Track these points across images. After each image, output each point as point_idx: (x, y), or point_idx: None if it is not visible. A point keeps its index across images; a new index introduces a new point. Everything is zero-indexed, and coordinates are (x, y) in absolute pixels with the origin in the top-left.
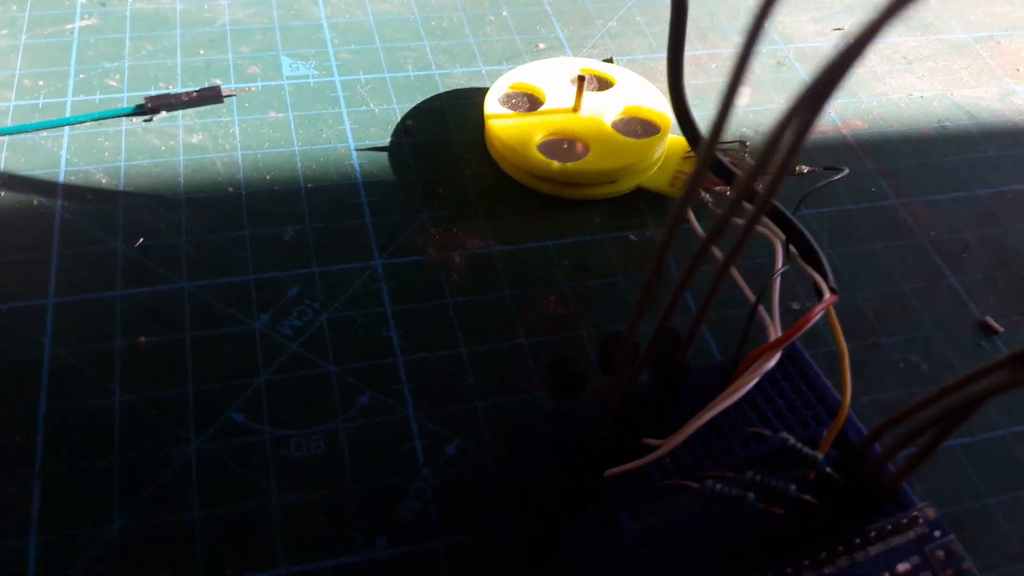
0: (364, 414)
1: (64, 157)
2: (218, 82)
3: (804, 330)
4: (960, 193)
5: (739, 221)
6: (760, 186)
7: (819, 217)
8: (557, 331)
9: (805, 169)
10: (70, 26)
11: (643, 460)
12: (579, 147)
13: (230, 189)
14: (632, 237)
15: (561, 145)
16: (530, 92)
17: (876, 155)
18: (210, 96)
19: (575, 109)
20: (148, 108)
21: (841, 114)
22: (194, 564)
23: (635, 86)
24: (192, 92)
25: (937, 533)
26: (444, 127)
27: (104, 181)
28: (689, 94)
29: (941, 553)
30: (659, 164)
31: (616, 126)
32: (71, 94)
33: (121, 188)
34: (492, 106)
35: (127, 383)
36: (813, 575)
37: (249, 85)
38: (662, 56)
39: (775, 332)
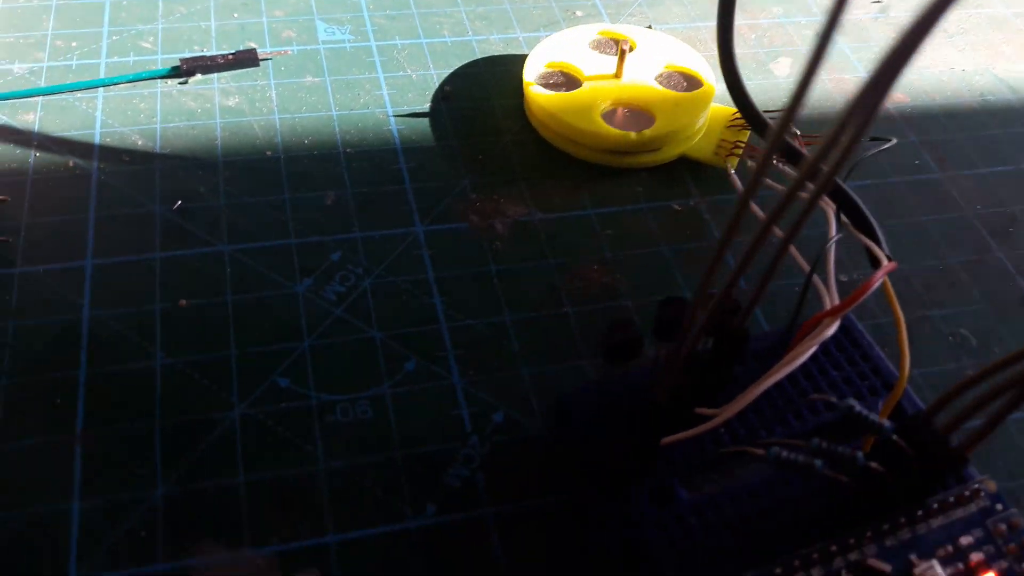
0: (410, 380)
1: (99, 119)
2: (253, 45)
3: (864, 297)
4: (1006, 167)
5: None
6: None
7: (864, 189)
8: (602, 300)
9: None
10: None
11: (703, 427)
12: (620, 113)
13: (268, 153)
14: (676, 206)
15: (619, 114)
16: (563, 69)
17: (920, 128)
18: (246, 59)
19: (617, 76)
20: (184, 70)
21: None
22: (240, 531)
23: (660, 44)
24: (228, 55)
25: (999, 506)
26: (482, 93)
27: (140, 143)
28: None
29: (1004, 526)
30: (703, 132)
31: (663, 84)
32: (104, 56)
33: (157, 150)
34: (535, 86)
35: (168, 346)
36: (875, 546)
37: (284, 49)
38: (701, 24)
39: (831, 300)
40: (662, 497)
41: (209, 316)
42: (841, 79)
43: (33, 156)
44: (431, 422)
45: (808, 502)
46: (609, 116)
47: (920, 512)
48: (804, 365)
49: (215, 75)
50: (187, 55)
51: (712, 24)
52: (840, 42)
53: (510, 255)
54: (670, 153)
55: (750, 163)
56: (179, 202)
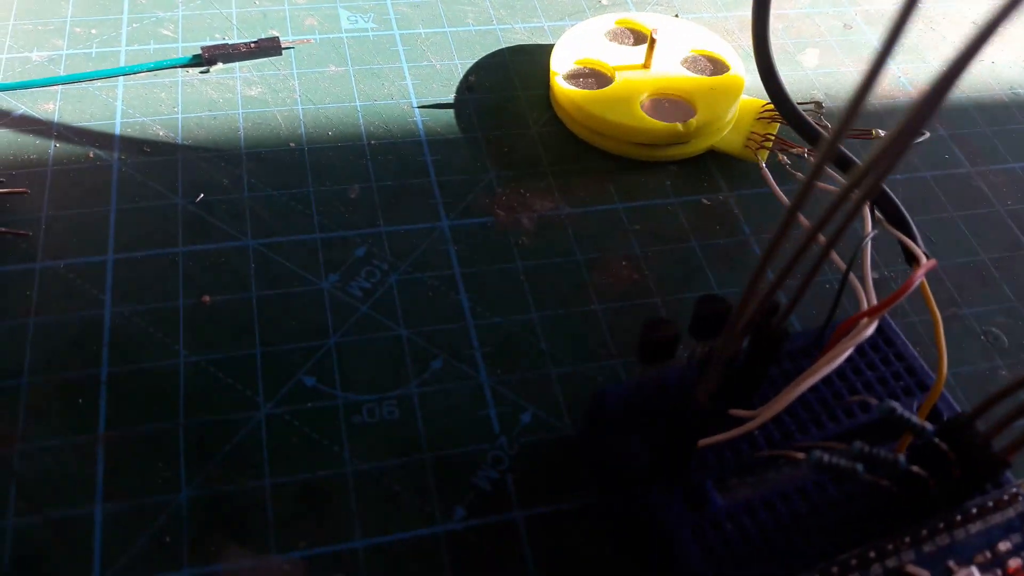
0: (437, 379)
1: (120, 108)
2: (275, 33)
3: (904, 296)
4: None
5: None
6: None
7: (893, 183)
8: (631, 297)
9: (882, 133)
10: None
11: (742, 428)
12: (659, 104)
13: (292, 145)
14: (705, 201)
15: (659, 105)
16: (591, 66)
17: (949, 121)
18: (269, 47)
19: (646, 66)
20: (205, 59)
21: (911, 79)
22: (266, 535)
23: (680, 32)
24: (250, 43)
25: None
26: (507, 84)
27: (162, 133)
28: None
29: None
30: (732, 125)
31: (689, 68)
32: (124, 43)
33: (179, 141)
34: (565, 81)
35: (192, 343)
36: (913, 552)
37: (307, 37)
38: (727, 14)
39: (868, 300)
40: (696, 501)
41: (233, 312)
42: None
43: (53, 147)
44: (459, 422)
45: (843, 506)
46: (649, 108)
47: (959, 517)
48: (839, 365)
49: (237, 64)
50: (208, 43)
51: (738, 13)
52: (869, 33)
53: (537, 250)
54: (699, 146)
55: (780, 156)
56: (201, 195)
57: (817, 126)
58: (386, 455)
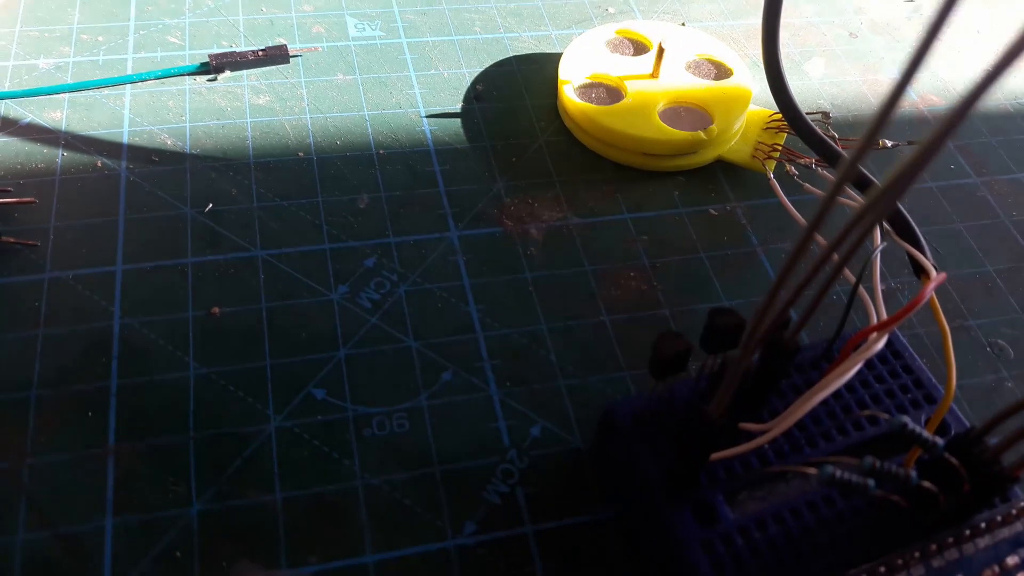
0: (448, 391)
1: (127, 116)
2: (283, 41)
3: (915, 310)
4: None
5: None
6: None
7: None
8: (640, 308)
9: (889, 143)
10: None
11: (755, 442)
12: (675, 112)
13: (300, 154)
14: (712, 211)
15: (675, 114)
16: (599, 80)
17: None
18: (277, 55)
19: (654, 75)
20: (213, 67)
21: (917, 89)
22: (277, 550)
23: (681, 38)
24: (258, 51)
25: None
26: (515, 93)
27: (170, 142)
28: None
29: None
30: (739, 135)
31: (697, 74)
32: (131, 51)
33: (187, 150)
34: (577, 96)
35: (202, 355)
36: (923, 566)
37: (315, 45)
38: (734, 23)
39: (878, 314)
40: (706, 515)
41: (243, 324)
42: (875, 80)
43: (61, 155)
44: (469, 435)
45: (853, 520)
46: (665, 117)
47: (967, 532)
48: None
49: (245, 72)
50: (216, 51)
51: (744, 22)
52: (873, 41)
53: (545, 261)
54: (707, 156)
55: (788, 167)
56: (210, 204)
57: (827, 137)
58: (396, 468)
